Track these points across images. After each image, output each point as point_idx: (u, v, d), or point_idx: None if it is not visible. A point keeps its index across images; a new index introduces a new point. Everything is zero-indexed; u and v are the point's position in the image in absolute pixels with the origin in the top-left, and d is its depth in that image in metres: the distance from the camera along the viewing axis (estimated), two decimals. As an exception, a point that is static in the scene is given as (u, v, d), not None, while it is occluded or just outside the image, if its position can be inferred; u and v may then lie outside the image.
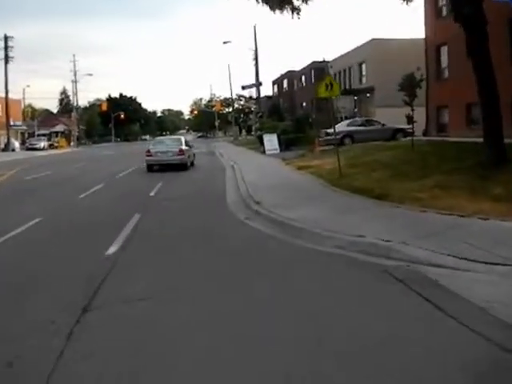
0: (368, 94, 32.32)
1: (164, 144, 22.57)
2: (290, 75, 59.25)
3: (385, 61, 30.64)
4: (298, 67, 57.20)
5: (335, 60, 39.78)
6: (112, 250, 7.13)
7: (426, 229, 7.10)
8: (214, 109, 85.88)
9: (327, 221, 8.17)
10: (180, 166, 20.73)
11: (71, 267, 6.36)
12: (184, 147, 21.83)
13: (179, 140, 23.22)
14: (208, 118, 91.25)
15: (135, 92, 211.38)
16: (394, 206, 9.13)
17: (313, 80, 49.10)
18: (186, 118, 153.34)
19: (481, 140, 12.27)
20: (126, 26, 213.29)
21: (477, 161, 11.82)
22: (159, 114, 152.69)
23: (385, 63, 30.58)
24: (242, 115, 79.70)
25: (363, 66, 34.07)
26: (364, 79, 33.88)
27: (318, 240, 7.28)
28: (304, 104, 53.62)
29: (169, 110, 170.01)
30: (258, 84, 37.91)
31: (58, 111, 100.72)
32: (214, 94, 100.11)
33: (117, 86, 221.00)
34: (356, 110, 33.79)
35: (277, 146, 30.47)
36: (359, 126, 25.80)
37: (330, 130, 25.73)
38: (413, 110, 16.85)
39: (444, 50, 23.92)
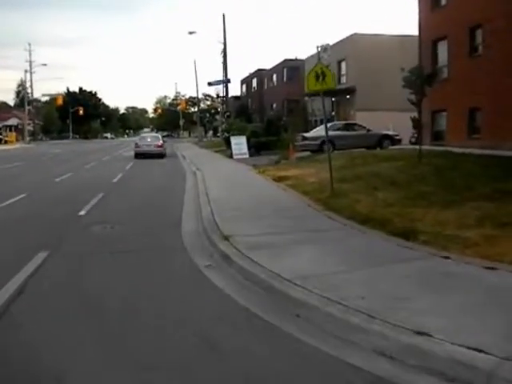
0: (348, 96, 29.37)
1: (147, 139, 30.95)
2: (259, 74, 55.91)
3: (368, 59, 27.76)
4: (268, 66, 54.05)
5: (310, 58, 36.66)
6: None
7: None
8: (178, 108, 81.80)
9: (344, 285, 4.86)
10: (159, 155, 28.71)
11: None
12: (161, 142, 30.58)
13: (158, 137, 32.61)
14: (172, 118, 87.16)
15: (98, 88, 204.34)
16: (435, 253, 5.92)
17: (285, 79, 45.99)
18: (151, 116, 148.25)
19: (488, 152, 9.27)
20: (91, 19, 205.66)
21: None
22: (122, 112, 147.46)
23: (368, 61, 27.72)
24: (207, 115, 76.05)
25: (343, 65, 30.91)
26: (343, 79, 30.78)
27: (340, 333, 3.98)
28: (274, 105, 50.43)
29: (133, 108, 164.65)
30: (226, 81, 34.48)
31: (15, 104, 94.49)
32: (179, 93, 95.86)
33: (79, 81, 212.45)
34: (333, 113, 30.81)
35: (246, 150, 27.22)
36: (341, 130, 22.79)
37: (308, 134, 22.69)
38: (420, 112, 13.79)
39: (442, 45, 21.13)
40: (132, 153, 30.43)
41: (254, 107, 55.96)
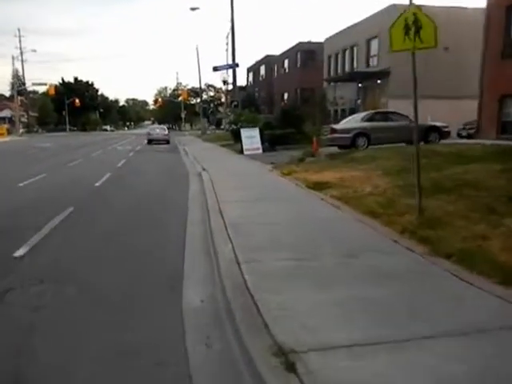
0: (379, 81, 25.18)
1: (156, 130, 40.78)
2: (268, 61, 51.43)
3: None
4: (277, 53, 49.67)
5: (330, 39, 32.47)
6: None
7: None
8: (180, 99, 77.52)
9: None
10: (166, 141, 37.01)
11: None
12: (167, 132, 40.04)
13: (164, 128, 42.44)
14: (173, 109, 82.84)
15: (97, 80, 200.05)
16: None
17: (298, 64, 41.61)
18: (152, 108, 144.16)
19: None
20: (90, 10, 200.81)
21: None
22: (122, 104, 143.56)
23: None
24: (211, 106, 71.89)
25: (373, 43, 26.37)
26: (374, 61, 26.53)
27: None
28: (286, 94, 46.12)
29: (133, 100, 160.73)
30: (234, 65, 30.30)
31: (11, 95, 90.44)
32: (181, 83, 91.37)
33: (77, 73, 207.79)
34: (359, 100, 26.70)
35: (259, 145, 23.25)
36: (377, 121, 18.73)
37: (338, 126, 18.66)
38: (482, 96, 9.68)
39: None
40: (127, 147, 31.63)
41: (263, 97, 51.70)
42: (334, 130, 17.98)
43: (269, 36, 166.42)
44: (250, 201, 9.33)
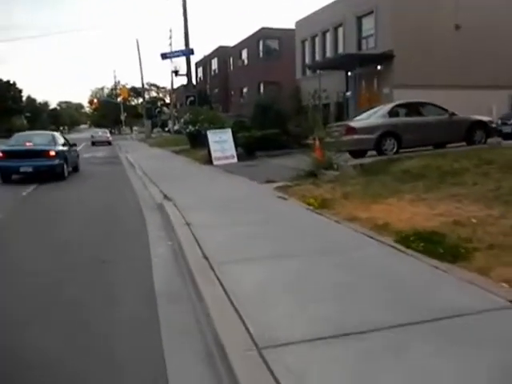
0: (379, 67, 19.63)
1: (99, 133, 46.07)
2: (222, 53, 44.93)
3: (414, 10, 17.99)
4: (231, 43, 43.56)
5: (304, 20, 26.60)
6: None
7: None
8: (119, 99, 69.77)
9: None
10: (108, 143, 42.00)
11: None
12: (108, 135, 45.59)
13: (106, 131, 47.90)
14: (112, 111, 74.61)
15: (25, 81, 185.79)
16: None
17: (261, 54, 35.51)
18: (88, 111, 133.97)
19: None
20: (17, 8, 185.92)
21: None
22: (54, 107, 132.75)
23: (414, 14, 18.00)
24: (158, 106, 64.78)
25: (366, 21, 20.89)
26: (369, 42, 20.79)
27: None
28: (245, 90, 40.03)
29: (66, 103, 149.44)
30: (187, 52, 23.96)
31: None
32: (119, 81, 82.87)
33: (3, 75, 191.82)
34: (349, 93, 21.12)
35: (233, 152, 17.43)
36: (408, 115, 13.37)
37: (356, 124, 13.11)
38: None
39: None
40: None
41: (216, 94, 45.41)
42: (351, 130, 12.28)
43: (218, 26, 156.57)
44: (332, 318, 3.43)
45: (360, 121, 13.13)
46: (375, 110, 13.48)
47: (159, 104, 78.64)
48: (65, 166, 14.72)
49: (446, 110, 13.43)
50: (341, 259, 4.95)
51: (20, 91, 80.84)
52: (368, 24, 20.81)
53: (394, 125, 12.66)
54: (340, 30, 23.06)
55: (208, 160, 17.04)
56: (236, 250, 5.45)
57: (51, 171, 14.14)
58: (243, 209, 8.09)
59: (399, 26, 18.69)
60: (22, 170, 14.00)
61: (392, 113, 13.10)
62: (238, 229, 6.47)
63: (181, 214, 7.70)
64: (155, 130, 63.67)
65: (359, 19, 21.32)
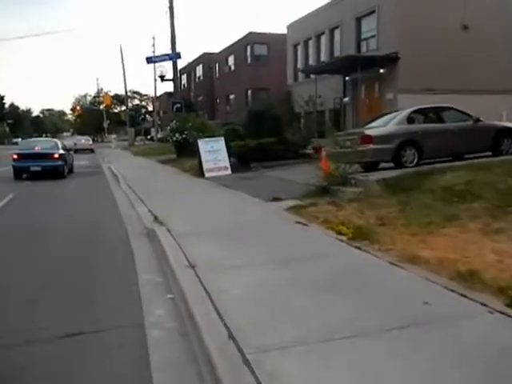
0: (381, 70, 18.32)
1: (82, 141, 44.57)
2: (207, 59, 43.44)
3: (418, 11, 16.72)
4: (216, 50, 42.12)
5: (297, 23, 25.20)
6: None
7: None
8: (102, 106, 67.82)
9: None
10: (90, 150, 41.12)
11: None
12: (91, 142, 45.56)
13: (89, 139, 48.03)
14: (95, 119, 72.66)
15: (7, 89, 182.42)
16: None
17: (249, 60, 34.06)
18: (70, 118, 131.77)
19: None
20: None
21: None
22: (37, 114, 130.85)
23: (418, 14, 16.72)
24: (141, 113, 63.02)
25: (367, 21, 19.62)
26: (370, 44, 19.66)
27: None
28: (232, 97, 38.54)
29: (49, 110, 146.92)
30: (174, 56, 22.50)
31: None
32: (102, 89, 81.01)
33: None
34: (346, 99, 19.81)
35: (226, 163, 15.99)
36: (428, 122, 12.07)
37: (373, 132, 11.72)
38: None
39: None
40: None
41: (201, 102, 43.86)
42: (367, 138, 10.91)
43: (201, 35, 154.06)
44: None
45: (375, 128, 11.75)
46: (391, 115, 12.12)
47: (143, 111, 76.93)
48: (65, 167, 17.94)
49: (469, 116, 12.14)
50: (443, 339, 3.22)
51: (2, 98, 78.94)
52: (368, 25, 19.53)
53: (415, 132, 11.32)
54: (337, 32, 21.73)
55: (198, 171, 15.62)
56: (276, 315, 3.72)
57: (55, 171, 17.35)
58: (258, 239, 6.54)
59: (404, 25, 17.42)
60: (32, 169, 17.24)
61: (411, 119, 11.76)
62: (262, 273, 4.86)
63: (179, 245, 6.24)
64: (138, 138, 62.00)
65: (358, 20, 20.05)
